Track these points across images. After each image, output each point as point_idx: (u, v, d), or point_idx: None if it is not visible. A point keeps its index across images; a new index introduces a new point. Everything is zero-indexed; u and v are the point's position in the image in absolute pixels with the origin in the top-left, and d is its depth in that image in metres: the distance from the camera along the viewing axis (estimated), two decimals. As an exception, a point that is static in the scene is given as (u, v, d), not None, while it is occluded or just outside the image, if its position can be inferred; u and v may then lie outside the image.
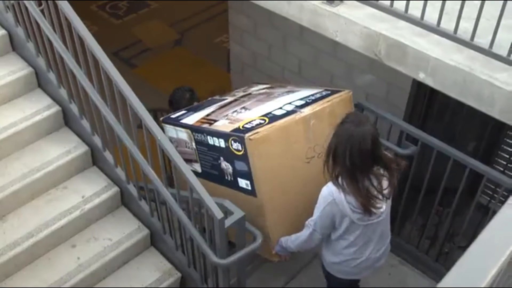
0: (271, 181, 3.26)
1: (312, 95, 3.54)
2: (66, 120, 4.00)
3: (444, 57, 3.15)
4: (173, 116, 3.85)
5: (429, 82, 3.24)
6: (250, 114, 3.41)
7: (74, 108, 3.83)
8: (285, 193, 3.33)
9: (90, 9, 9.34)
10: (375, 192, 2.90)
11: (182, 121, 3.68)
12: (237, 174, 3.31)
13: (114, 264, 3.77)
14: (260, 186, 3.23)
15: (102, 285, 3.73)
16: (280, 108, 3.38)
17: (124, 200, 3.94)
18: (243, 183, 3.31)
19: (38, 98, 3.99)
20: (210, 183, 3.49)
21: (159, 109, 6.14)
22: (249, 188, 3.28)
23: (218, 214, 2.89)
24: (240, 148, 3.15)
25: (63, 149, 3.87)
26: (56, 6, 3.34)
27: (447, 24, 3.13)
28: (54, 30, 3.48)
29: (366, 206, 2.88)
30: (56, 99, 3.94)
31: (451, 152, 3.71)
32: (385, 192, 2.96)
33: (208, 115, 3.63)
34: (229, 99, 3.89)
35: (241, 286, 3.44)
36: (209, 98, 4.11)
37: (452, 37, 3.13)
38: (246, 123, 3.23)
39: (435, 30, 3.17)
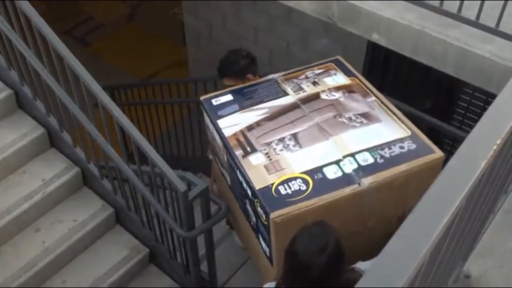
0: None
1: (392, 145, 2.55)
2: (20, 103, 3.90)
3: (396, 17, 3.18)
4: (214, 101, 3.04)
5: (383, 42, 3.27)
6: (296, 160, 2.57)
7: (27, 90, 3.74)
8: None
9: (37, -12, 9.07)
10: None
11: (220, 121, 2.91)
12: (259, 231, 2.69)
13: (80, 245, 3.74)
14: (279, 262, 2.54)
15: (70, 267, 3.70)
16: (337, 163, 2.50)
17: (86, 180, 3.90)
18: (263, 243, 2.70)
19: (-12, 83, 3.87)
20: (239, 211, 2.97)
21: (116, 86, 6.06)
22: (267, 254, 2.69)
23: (181, 186, 2.89)
24: (264, 217, 2.47)
25: (19, 133, 3.78)
26: (-2, -15, 3.23)
27: (398, -17, 3.15)
28: (-1, 11, 3.37)
29: None
30: (7, 82, 3.84)
31: (408, 110, 3.76)
32: None
33: (250, 128, 2.81)
34: (291, 97, 2.97)
35: (209, 257, 3.46)
36: (270, 78, 3.17)
37: (403, -4, 3.15)
38: (282, 182, 2.47)
39: (386, -10, 3.19)
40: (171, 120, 5.87)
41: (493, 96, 1.43)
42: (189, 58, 6.97)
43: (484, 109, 4.81)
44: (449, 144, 4.73)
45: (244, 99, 3.02)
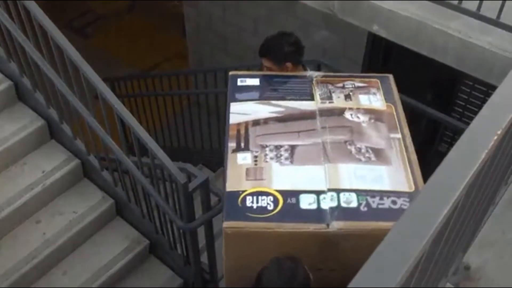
0: (240, 279, 2.44)
1: (385, 196, 2.26)
2: (20, 95, 3.89)
3: (397, 8, 3.17)
4: (240, 80, 2.89)
5: (383, 33, 3.26)
6: (279, 174, 2.38)
7: (26, 81, 3.73)
8: None
9: (37, -21, 9.04)
10: None
11: (233, 104, 2.76)
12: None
13: (81, 237, 3.74)
14: (226, 268, 2.51)
15: (71, 259, 3.71)
16: (317, 194, 2.27)
17: (86, 172, 3.90)
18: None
19: (-13, 74, 3.87)
20: None
21: (116, 78, 6.05)
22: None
23: (182, 178, 2.89)
24: (223, 219, 2.31)
25: (19, 125, 3.77)
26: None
27: (398, -26, 3.14)
28: (-2, 2, 3.36)
29: None
30: (6, 74, 3.83)
31: (409, 102, 3.76)
32: None
33: (255, 123, 2.64)
34: (314, 103, 2.74)
35: (209, 249, 3.47)
36: (308, 74, 2.92)
37: (403, -13, 3.15)
38: (253, 193, 2.29)
39: (387, -19, 3.18)
40: (171, 112, 5.86)
41: (494, 88, 1.43)
42: (189, 50, 6.95)
43: (484, 101, 4.81)
44: (449, 136, 4.74)
45: (268, 89, 2.83)
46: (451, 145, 4.71)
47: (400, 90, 3.67)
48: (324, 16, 4.25)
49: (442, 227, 1.11)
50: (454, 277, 2.04)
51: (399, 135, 2.56)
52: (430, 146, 4.03)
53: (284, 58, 3.00)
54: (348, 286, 0.95)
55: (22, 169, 3.76)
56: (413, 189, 2.29)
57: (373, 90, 2.82)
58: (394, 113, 2.69)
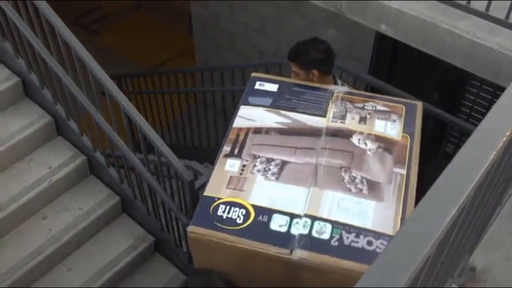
0: None
1: (362, 234, 2.11)
2: (27, 91, 3.90)
3: (405, 8, 3.16)
4: (258, 83, 2.80)
5: (391, 33, 3.25)
6: (260, 189, 2.30)
7: (34, 78, 3.74)
8: None
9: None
10: None
11: (242, 107, 2.67)
12: None
13: (86, 233, 3.75)
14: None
15: (76, 255, 3.72)
16: (291, 217, 2.18)
17: (92, 169, 3.91)
18: None
19: (-5, 70, 3.88)
20: None
21: (123, 75, 6.06)
22: None
23: (188, 176, 2.90)
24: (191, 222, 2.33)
25: (26, 121, 3.79)
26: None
27: (407, -26, 3.13)
28: (7, -2, 3.37)
29: None
30: (14, 70, 3.84)
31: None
32: None
33: (257, 131, 2.54)
34: (324, 121, 2.58)
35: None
36: (331, 89, 2.77)
37: (412, -14, 3.14)
38: (227, 203, 2.24)
39: (395, -20, 3.18)
40: (178, 109, 5.87)
41: (501, 90, 1.43)
42: (196, 47, 6.95)
43: (491, 102, 4.79)
44: (456, 137, 4.72)
45: (283, 98, 2.71)
46: (457, 145, 4.69)
47: (407, 90, 3.67)
48: (332, 15, 4.24)
49: (449, 229, 1.11)
50: (460, 278, 2.03)
51: (404, 171, 2.34)
52: (436, 146, 4.02)
53: (310, 64, 2.86)
54: (355, 286, 0.95)
55: (29, 165, 3.77)
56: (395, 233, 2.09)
57: (394, 116, 2.59)
58: (408, 145, 2.46)
